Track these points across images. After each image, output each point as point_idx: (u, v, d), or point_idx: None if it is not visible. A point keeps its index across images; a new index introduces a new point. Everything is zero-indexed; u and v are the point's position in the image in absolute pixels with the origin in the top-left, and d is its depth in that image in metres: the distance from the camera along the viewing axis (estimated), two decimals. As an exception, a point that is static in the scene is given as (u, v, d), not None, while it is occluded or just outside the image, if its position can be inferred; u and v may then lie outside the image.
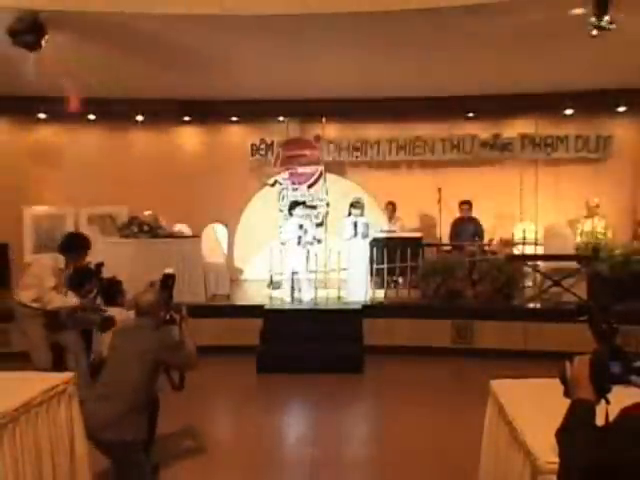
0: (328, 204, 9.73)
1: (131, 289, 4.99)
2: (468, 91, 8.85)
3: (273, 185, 9.98)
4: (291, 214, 7.80)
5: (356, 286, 7.40)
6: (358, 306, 7.19)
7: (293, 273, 7.40)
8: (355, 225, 7.33)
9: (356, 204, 7.44)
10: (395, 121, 9.76)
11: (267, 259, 8.17)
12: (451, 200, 8.87)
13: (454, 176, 9.52)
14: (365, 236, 7.33)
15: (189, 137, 10.24)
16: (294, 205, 7.79)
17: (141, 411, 3.14)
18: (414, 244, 7.99)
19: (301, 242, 7.44)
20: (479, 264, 7.65)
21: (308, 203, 9.00)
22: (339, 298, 7.74)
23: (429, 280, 7.39)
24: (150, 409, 3.39)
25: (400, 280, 8.10)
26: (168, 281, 3.69)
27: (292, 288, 7.42)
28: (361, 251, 7.39)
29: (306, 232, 7.51)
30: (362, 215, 7.45)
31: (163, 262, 6.91)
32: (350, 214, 7.44)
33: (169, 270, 3.85)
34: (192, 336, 3.45)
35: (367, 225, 7.37)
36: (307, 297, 7.46)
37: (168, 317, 3.47)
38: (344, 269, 8.02)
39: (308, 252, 7.58)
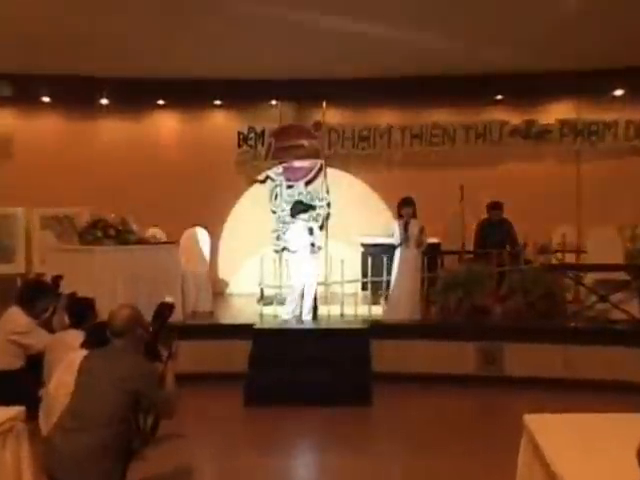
0: (329, 204, 9.80)
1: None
2: (496, 68, 8.89)
3: (264, 182, 10.08)
4: (293, 216, 7.88)
5: (404, 303, 7.44)
6: (364, 325, 7.23)
7: (303, 287, 7.45)
8: (406, 228, 7.38)
9: (407, 202, 7.49)
10: (409, 105, 9.86)
11: (257, 269, 8.22)
12: (476, 198, 8.95)
13: (479, 171, 9.60)
14: (420, 244, 7.41)
15: (164, 124, 10.31)
16: (299, 208, 7.83)
17: (114, 456, 3.07)
18: (431, 251, 8.01)
19: (314, 249, 7.55)
20: (510, 275, 7.69)
21: (306, 202, 9.04)
22: (342, 316, 7.78)
23: (449, 294, 7.42)
24: (126, 460, 3.27)
25: None
26: (164, 312, 3.66)
27: (300, 305, 7.50)
28: (412, 260, 7.45)
29: (315, 237, 7.64)
30: (414, 216, 7.50)
31: (133, 274, 7.00)
32: (401, 215, 7.50)
33: (169, 299, 3.79)
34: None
35: (422, 229, 7.43)
36: (306, 314, 7.51)
37: (154, 350, 3.45)
38: (350, 281, 8.08)
39: (326, 260, 7.73)
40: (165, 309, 3.67)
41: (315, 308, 7.63)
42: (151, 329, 3.58)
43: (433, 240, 8.48)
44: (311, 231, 7.53)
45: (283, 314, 7.59)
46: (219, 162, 9.84)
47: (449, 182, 9.14)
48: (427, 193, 9.39)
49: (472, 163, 9.71)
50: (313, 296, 7.56)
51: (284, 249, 9.16)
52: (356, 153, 10.04)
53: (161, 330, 3.58)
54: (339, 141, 9.98)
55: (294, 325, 7.35)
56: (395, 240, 7.51)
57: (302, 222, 7.63)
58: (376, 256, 7.92)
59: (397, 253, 7.50)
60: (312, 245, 7.50)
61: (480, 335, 7.03)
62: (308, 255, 7.49)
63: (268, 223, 9.88)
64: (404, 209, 7.50)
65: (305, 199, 9.62)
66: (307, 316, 7.51)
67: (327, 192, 9.70)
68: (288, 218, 8.84)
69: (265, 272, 8.25)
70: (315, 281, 7.58)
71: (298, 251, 7.52)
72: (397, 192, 7.99)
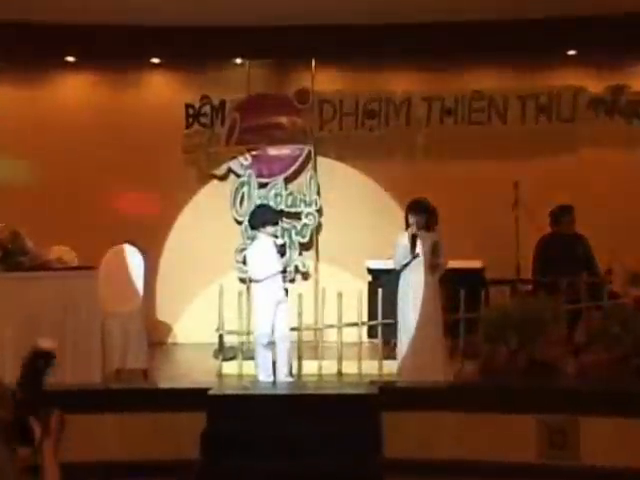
0: (320, 211, 9.97)
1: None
2: (569, 8, 8.97)
3: (225, 178, 10.26)
4: (255, 228, 7.92)
5: (424, 353, 7.55)
6: (372, 390, 7.25)
7: (272, 335, 7.60)
8: (414, 242, 7.52)
9: (416, 207, 7.68)
10: (438, 65, 10.02)
11: (215, 307, 8.25)
12: (536, 202, 9.07)
13: (542, 161, 9.82)
14: (434, 267, 7.57)
15: (73, 92, 10.47)
16: (264, 215, 7.86)
17: None
18: (471, 280, 8.16)
19: (286, 276, 7.75)
20: (588, 315, 7.81)
21: (286, 209, 9.21)
22: (340, 375, 7.84)
23: (498, 343, 7.55)
24: None
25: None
26: (38, 362, 3.53)
27: (272, 359, 7.67)
28: (428, 290, 7.61)
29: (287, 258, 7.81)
30: (430, 228, 7.67)
31: (29, 316, 7.04)
32: (408, 225, 7.64)
33: (45, 343, 3.62)
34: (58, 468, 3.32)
35: (437, 244, 7.58)
36: (284, 375, 7.63)
37: (21, 426, 3.28)
38: (351, 324, 8.20)
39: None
40: (39, 358, 3.53)
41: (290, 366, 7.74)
42: (17, 392, 3.45)
43: (473, 264, 8.65)
44: (282, 250, 7.70)
45: (257, 374, 7.69)
46: (157, 149, 10.00)
47: (497, 178, 9.32)
48: (464, 194, 9.68)
49: (531, 150, 9.93)
50: (288, 347, 7.67)
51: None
52: (360, 135, 10.23)
53: (33, 393, 3.45)
54: (335, 118, 10.15)
55: (269, 390, 7.42)
56: (395, 261, 7.65)
57: (267, 237, 7.71)
58: (390, 287, 7.97)
59: (402, 280, 7.67)
60: (283, 272, 7.66)
61: (544, 404, 6.98)
62: (279, 286, 7.62)
63: (231, 239, 10.05)
64: (412, 216, 7.61)
65: (284, 203, 9.84)
66: (285, 377, 7.62)
67: (317, 193, 9.89)
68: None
69: (226, 311, 8.28)
70: (287, 326, 7.71)
71: (263, 281, 7.62)
72: (420, 192, 8.08)
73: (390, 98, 10.17)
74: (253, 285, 7.88)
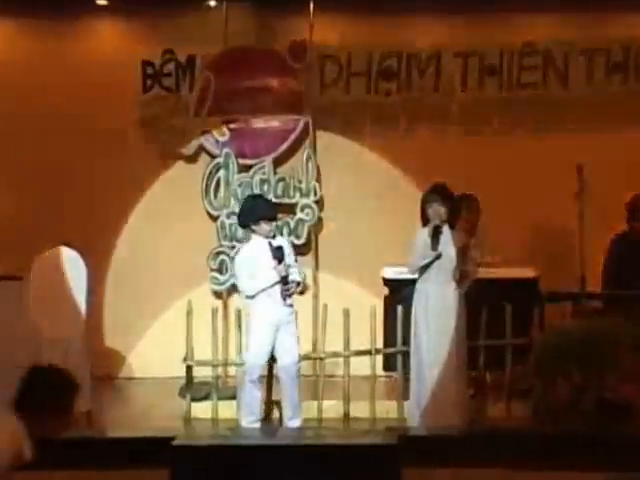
0: (320, 202, 10.03)
1: None
2: None
3: (194, 159, 10.31)
4: (246, 226, 8.03)
5: (440, 390, 7.60)
6: (390, 438, 7.11)
7: (265, 366, 7.70)
8: (436, 237, 7.57)
9: (436, 193, 7.78)
10: (475, 10, 10.04)
11: (181, 331, 8.31)
12: (607, 192, 9.15)
13: (614, 137, 9.81)
14: (463, 274, 7.65)
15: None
16: (260, 209, 7.83)
17: None
18: (520, 294, 8.22)
19: (290, 289, 7.69)
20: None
21: (275, 200, 9.26)
22: (347, 419, 7.92)
23: (556, 377, 7.58)
24: None
25: (488, 377, 8.31)
26: None
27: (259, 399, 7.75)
28: (452, 305, 7.68)
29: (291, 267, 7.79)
30: (453, 222, 7.73)
31: None
32: (425, 221, 7.73)
33: None
34: None
35: (466, 246, 7.71)
36: (290, 418, 7.73)
37: None
38: (362, 352, 8.21)
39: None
40: None
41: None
42: None
43: (523, 273, 8.66)
44: (279, 254, 7.61)
45: (239, 418, 7.71)
46: (103, 121, 10.03)
47: (554, 159, 9.38)
48: (510, 180, 9.79)
49: (601, 122, 9.95)
50: (296, 381, 7.69)
51: (231, 291, 9.39)
52: (373, 103, 10.27)
53: None
54: (341, 79, 10.20)
55: (253, 440, 7.45)
56: (411, 262, 7.76)
57: (261, 238, 7.73)
58: (411, 303, 7.99)
59: (417, 290, 7.76)
60: (284, 283, 7.63)
61: (616, 459, 6.88)
62: (277, 303, 7.64)
63: (203, 239, 10.08)
64: (430, 206, 7.71)
65: (272, 192, 9.80)
66: (292, 422, 7.73)
67: (317, 179, 9.94)
68: (241, 231, 8.99)
69: (196, 335, 8.32)
70: (295, 355, 7.75)
71: (256, 297, 7.64)
72: (452, 177, 8.13)
73: (413, 54, 10.21)
74: (246, 302, 7.92)
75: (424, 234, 7.64)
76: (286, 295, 7.63)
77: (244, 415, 7.65)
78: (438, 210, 7.61)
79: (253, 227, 7.73)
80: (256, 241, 7.73)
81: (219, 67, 10.20)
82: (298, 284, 7.81)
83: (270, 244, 7.67)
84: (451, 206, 7.70)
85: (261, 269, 7.61)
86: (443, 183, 7.81)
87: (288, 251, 7.78)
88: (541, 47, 10.15)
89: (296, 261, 8.00)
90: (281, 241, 7.93)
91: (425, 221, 7.72)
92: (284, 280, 7.58)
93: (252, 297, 7.66)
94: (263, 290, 7.59)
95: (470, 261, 7.66)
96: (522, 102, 10.22)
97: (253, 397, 7.63)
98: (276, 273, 7.56)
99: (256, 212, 7.77)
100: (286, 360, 7.63)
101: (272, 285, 7.59)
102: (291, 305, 7.72)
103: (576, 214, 9.02)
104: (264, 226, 7.69)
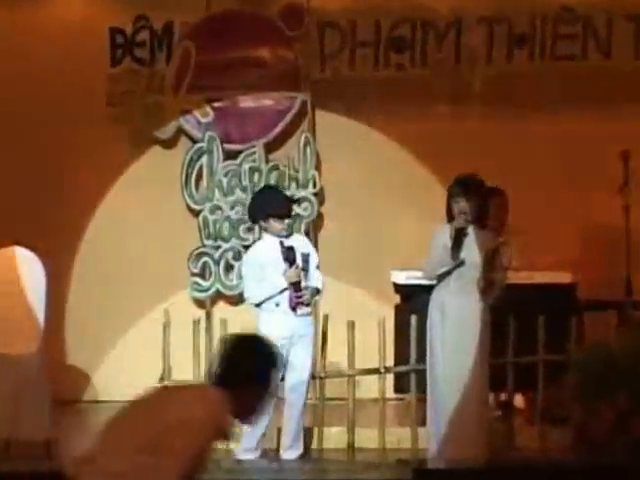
0: (319, 194, 10.00)
1: None
2: None
3: (173, 144, 10.23)
4: (257, 221, 8.08)
5: (461, 417, 7.59)
6: (403, 474, 7.22)
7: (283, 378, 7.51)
8: (459, 240, 7.57)
9: (462, 187, 7.78)
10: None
11: (155, 345, 8.31)
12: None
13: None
14: (490, 283, 7.64)
15: None
16: (276, 201, 7.92)
17: None
18: (554, 302, 8.24)
19: (302, 295, 7.67)
20: None
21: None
22: (353, 450, 7.85)
23: (598, 401, 7.55)
24: None
25: (517, 400, 8.36)
26: None
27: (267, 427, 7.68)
28: (475, 319, 7.66)
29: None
30: (481, 221, 7.74)
31: None
32: (451, 215, 7.75)
33: None
34: None
35: (499, 249, 7.74)
36: (288, 448, 7.74)
37: None
38: (370, 371, 8.18)
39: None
40: None
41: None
42: None
43: (556, 278, 8.64)
44: (291, 256, 7.61)
45: (238, 450, 7.67)
46: (65, 99, 9.96)
47: (595, 144, 9.32)
48: (543, 169, 9.74)
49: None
50: (303, 407, 7.70)
51: (216, 298, 9.24)
52: (383, 78, 10.19)
53: None
54: (344, 50, 10.10)
55: (247, 474, 7.57)
56: (427, 268, 7.78)
57: (272, 237, 7.75)
58: (427, 313, 7.97)
59: (433, 301, 7.77)
60: (296, 289, 7.61)
61: None
62: (287, 313, 7.64)
63: (182, 238, 10.03)
64: (455, 201, 7.71)
65: (264, 183, 9.72)
66: (291, 452, 7.74)
67: (316, 167, 9.90)
68: (228, 228, 9.16)
69: (175, 351, 8.35)
70: (307, 372, 7.83)
71: (263, 305, 7.66)
72: (475, 165, 8.07)
73: (429, 20, 10.13)
74: (256, 312, 7.91)
75: (444, 235, 7.61)
76: (297, 304, 7.61)
77: (241, 445, 7.63)
78: (463, 207, 7.58)
79: (263, 224, 7.85)
80: (266, 240, 7.83)
81: (200, 36, 10.14)
82: (317, 292, 7.84)
83: (282, 244, 7.71)
84: (480, 203, 7.65)
85: (270, 273, 7.63)
86: (470, 174, 7.75)
87: (306, 252, 7.80)
88: (580, 12, 10.04)
89: (318, 267, 7.98)
90: (297, 240, 7.95)
91: (450, 217, 7.70)
92: (296, 286, 7.58)
93: (258, 305, 7.70)
94: (270, 298, 7.61)
95: (498, 267, 7.62)
96: (557, 77, 10.09)
97: (257, 425, 7.42)
98: (284, 279, 7.57)
99: (265, 208, 7.86)
100: (295, 378, 7.61)
101: (280, 292, 7.60)
102: (308, 314, 7.77)
103: (621, 209, 9.01)
104: (274, 224, 7.77)
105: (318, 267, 7.99)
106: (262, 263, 7.68)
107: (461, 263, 7.52)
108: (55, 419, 8.41)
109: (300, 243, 7.93)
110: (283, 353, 7.20)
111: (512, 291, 8.03)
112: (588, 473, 7.24)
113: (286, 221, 7.90)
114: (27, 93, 10.00)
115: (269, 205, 7.85)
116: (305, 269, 7.70)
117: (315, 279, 7.77)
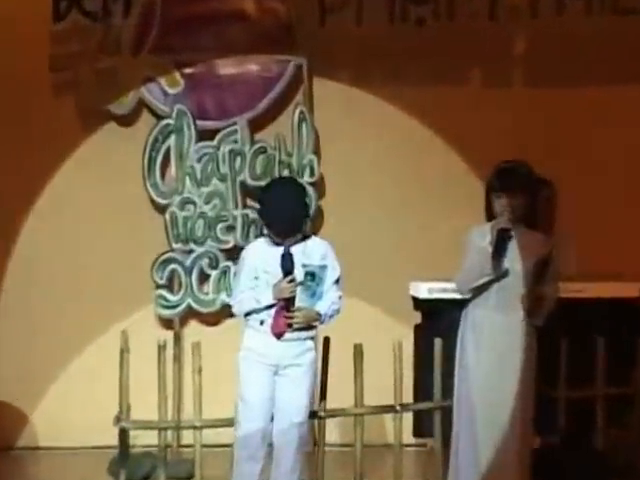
0: (319, 185, 9.92)
1: None
2: None
3: (133, 120, 10.10)
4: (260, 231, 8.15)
5: (497, 458, 7.53)
6: None
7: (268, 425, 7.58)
8: (502, 245, 7.52)
9: (512, 177, 7.78)
10: None
11: (110, 375, 8.19)
12: None
13: None
14: (539, 299, 7.61)
15: None
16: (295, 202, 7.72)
17: None
18: (618, 321, 8.30)
19: (293, 317, 7.45)
20: None
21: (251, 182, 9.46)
22: None
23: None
24: None
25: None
26: None
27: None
28: (511, 334, 7.65)
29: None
30: (531, 221, 7.76)
31: None
32: (491, 212, 7.76)
33: None
34: None
35: (552, 254, 7.74)
36: None
37: None
38: (384, 409, 8.17)
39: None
40: None
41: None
42: None
43: (620, 291, 8.66)
44: (288, 265, 7.37)
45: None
46: (7, 72, 9.81)
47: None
48: (602, 153, 9.75)
49: None
50: (296, 458, 7.48)
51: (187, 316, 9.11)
52: (398, 36, 10.02)
53: None
54: (350, 3, 9.93)
55: None
56: (461, 279, 7.67)
57: (267, 239, 7.64)
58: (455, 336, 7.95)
59: (466, 319, 7.75)
60: (286, 307, 7.37)
61: None
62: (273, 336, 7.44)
63: (144, 239, 9.92)
64: (498, 195, 7.66)
65: (248, 169, 9.73)
66: None
67: (314, 151, 9.81)
68: (202, 228, 9.28)
69: (134, 382, 8.21)
70: (301, 414, 7.58)
71: (249, 320, 7.49)
72: (515, 149, 8.15)
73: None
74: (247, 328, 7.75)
75: (483, 237, 7.49)
76: (285, 326, 7.40)
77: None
78: (507, 204, 7.47)
79: (280, 228, 7.59)
80: (267, 239, 7.68)
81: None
82: (331, 315, 7.58)
83: (285, 248, 7.54)
84: (528, 198, 7.55)
85: (262, 281, 7.48)
86: (515, 161, 7.67)
87: (316, 264, 7.56)
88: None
89: (337, 281, 7.73)
90: (308, 246, 7.67)
91: (490, 215, 7.59)
92: (287, 304, 7.37)
93: (246, 320, 7.54)
94: (251, 314, 7.46)
95: (550, 278, 7.50)
96: (619, 36, 9.95)
97: (246, 476, 7.47)
98: (271, 293, 7.38)
99: (296, 207, 7.67)
100: (283, 421, 7.44)
101: (265, 309, 7.42)
102: (303, 340, 7.53)
103: None
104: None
105: (338, 281, 7.74)
106: (257, 266, 7.52)
107: (504, 273, 7.42)
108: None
109: (314, 249, 7.69)
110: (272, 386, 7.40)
111: (564, 307, 7.96)
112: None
113: (299, 230, 7.72)
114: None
115: (295, 200, 7.67)
116: (317, 283, 7.53)
117: (327, 299, 7.52)
